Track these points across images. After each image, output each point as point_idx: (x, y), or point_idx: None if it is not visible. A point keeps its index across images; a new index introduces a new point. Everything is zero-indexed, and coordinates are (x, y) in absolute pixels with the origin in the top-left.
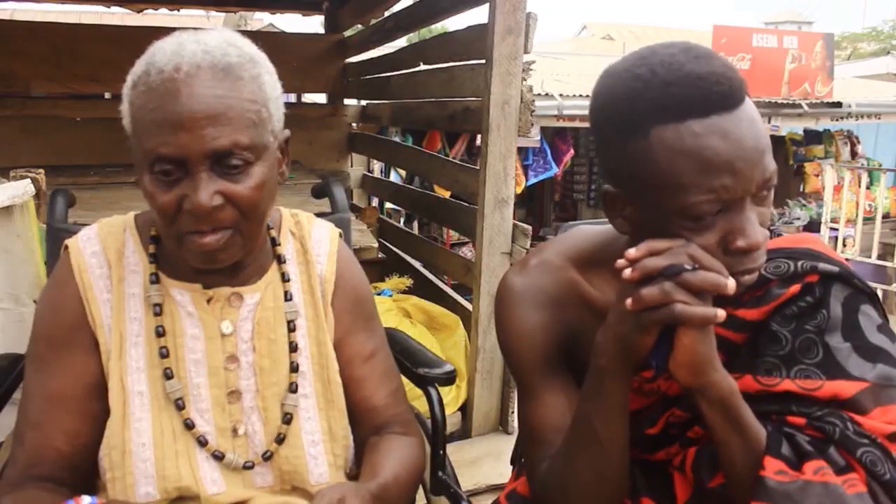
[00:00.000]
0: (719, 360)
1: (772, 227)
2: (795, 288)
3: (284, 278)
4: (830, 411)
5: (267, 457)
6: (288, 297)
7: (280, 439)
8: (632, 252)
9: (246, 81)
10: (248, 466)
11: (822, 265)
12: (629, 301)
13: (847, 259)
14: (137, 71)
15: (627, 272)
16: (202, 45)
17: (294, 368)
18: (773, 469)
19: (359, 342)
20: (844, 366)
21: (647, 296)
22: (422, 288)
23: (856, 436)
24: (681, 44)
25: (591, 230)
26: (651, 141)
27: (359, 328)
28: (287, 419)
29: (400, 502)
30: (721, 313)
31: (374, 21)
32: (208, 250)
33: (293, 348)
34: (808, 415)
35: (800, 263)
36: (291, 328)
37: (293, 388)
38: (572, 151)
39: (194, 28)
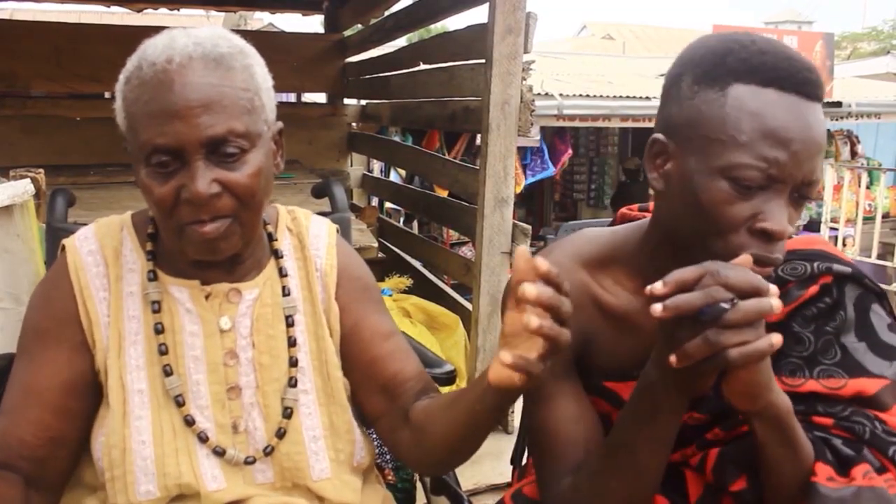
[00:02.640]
0: (775, 380)
1: None
2: (814, 289)
3: (282, 273)
4: (856, 410)
5: (268, 451)
6: (286, 292)
7: (281, 434)
8: (658, 287)
9: (238, 70)
10: (249, 461)
11: (836, 266)
12: (672, 359)
13: None
14: (129, 67)
15: (658, 308)
16: (193, 38)
17: (293, 363)
18: (825, 475)
19: (375, 322)
20: (863, 364)
21: (694, 351)
22: (422, 288)
23: (885, 434)
24: None
25: (597, 232)
26: (727, 94)
27: (371, 311)
28: (287, 413)
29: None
30: (778, 339)
31: (373, 20)
32: (208, 239)
33: (292, 343)
34: (833, 415)
35: (815, 265)
36: (290, 323)
37: (293, 383)
38: (570, 151)
39: (184, 27)
